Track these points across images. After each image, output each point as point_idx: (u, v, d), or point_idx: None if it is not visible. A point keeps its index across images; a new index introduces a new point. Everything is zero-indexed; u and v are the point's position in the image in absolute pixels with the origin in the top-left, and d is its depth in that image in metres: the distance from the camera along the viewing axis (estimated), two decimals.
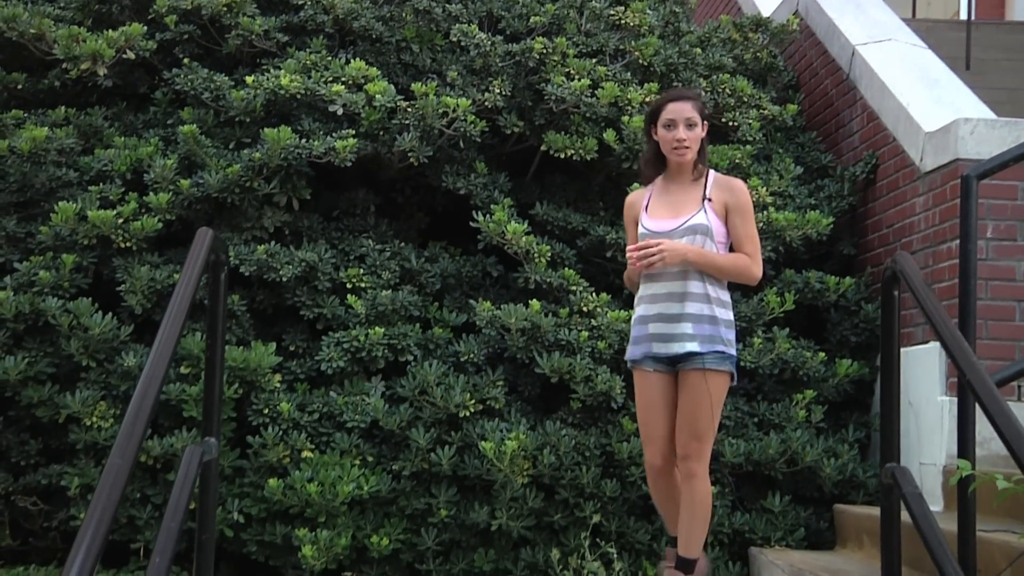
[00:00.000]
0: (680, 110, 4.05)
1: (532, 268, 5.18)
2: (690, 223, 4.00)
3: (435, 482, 4.86)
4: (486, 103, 5.44)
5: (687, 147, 4.05)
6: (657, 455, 4.05)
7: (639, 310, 4.09)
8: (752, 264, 4.05)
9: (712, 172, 4.15)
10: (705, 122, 4.12)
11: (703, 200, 4.05)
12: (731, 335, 4.02)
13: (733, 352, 4.01)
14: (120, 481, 2.02)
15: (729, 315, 4.04)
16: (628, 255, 4.03)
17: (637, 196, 4.24)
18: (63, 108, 5.62)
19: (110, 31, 5.55)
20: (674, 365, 4.01)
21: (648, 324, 4.03)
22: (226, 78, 5.57)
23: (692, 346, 3.93)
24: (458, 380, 4.93)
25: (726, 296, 4.06)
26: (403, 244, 5.41)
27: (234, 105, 5.41)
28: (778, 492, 5.02)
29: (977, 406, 2.72)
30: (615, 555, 4.70)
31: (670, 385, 4.03)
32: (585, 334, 4.97)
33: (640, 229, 4.10)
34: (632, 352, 4.10)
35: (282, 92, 5.28)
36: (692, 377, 3.96)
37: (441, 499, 4.82)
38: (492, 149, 5.70)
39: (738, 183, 4.14)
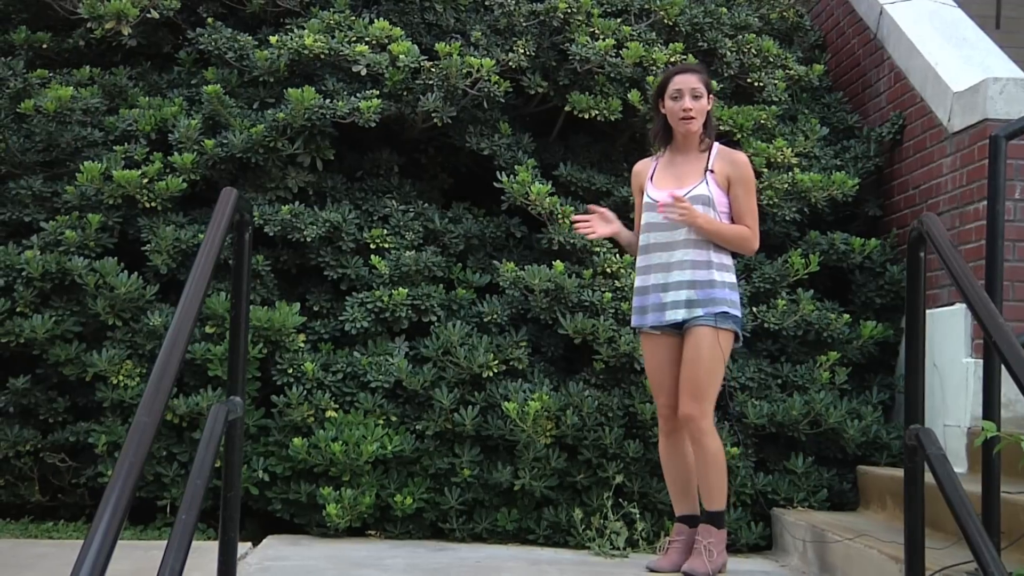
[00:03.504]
0: (686, 81, 4.26)
1: (556, 229, 5.17)
2: (693, 193, 4.21)
3: (458, 442, 4.89)
4: (510, 63, 5.41)
5: (693, 116, 4.24)
6: (664, 406, 4.29)
7: (641, 280, 4.30)
8: (752, 237, 4.27)
9: (716, 144, 4.33)
10: (711, 96, 4.32)
11: (705, 172, 4.24)
12: (734, 296, 4.23)
13: (736, 312, 4.21)
14: (147, 438, 2.03)
15: (730, 278, 4.23)
16: (659, 206, 4.21)
17: (643, 166, 4.45)
18: (88, 67, 5.62)
19: None
20: (679, 328, 4.21)
21: (651, 294, 4.25)
22: (250, 38, 5.56)
23: (697, 311, 4.15)
24: (481, 340, 4.94)
25: (728, 261, 4.26)
26: (426, 204, 5.41)
27: (258, 65, 5.41)
28: (801, 453, 5.02)
29: (1003, 368, 2.70)
30: (638, 515, 4.71)
31: (676, 347, 4.24)
32: (608, 295, 4.97)
33: (645, 198, 4.32)
34: (638, 320, 4.32)
35: (306, 52, 5.27)
36: (694, 335, 4.17)
37: (464, 459, 4.84)
38: (516, 109, 5.68)
39: (741, 156, 4.34)
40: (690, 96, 4.23)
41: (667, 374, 4.25)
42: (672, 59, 5.49)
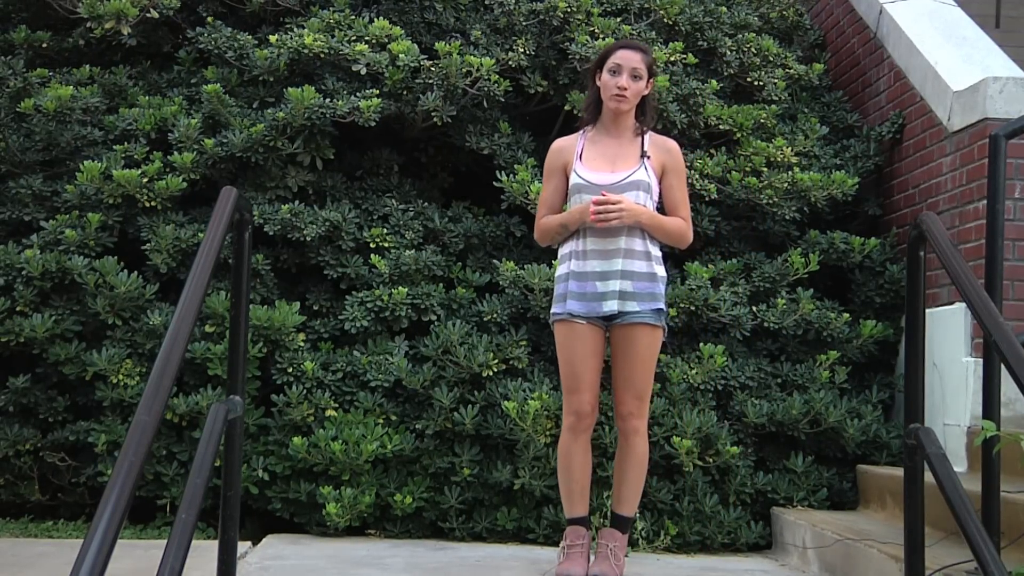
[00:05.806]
0: (628, 58, 3.97)
1: None
2: (632, 178, 3.93)
3: (458, 441, 4.89)
4: (510, 62, 5.41)
5: (625, 96, 3.95)
6: (585, 403, 3.96)
7: (575, 265, 3.97)
8: (689, 229, 4.05)
9: (648, 130, 4.07)
10: (652, 80, 4.04)
11: (642, 156, 3.98)
12: (664, 290, 4.00)
13: (665, 309, 4.01)
14: (146, 437, 2.03)
15: (663, 271, 4.00)
16: (591, 208, 3.86)
17: (567, 143, 4.11)
18: (88, 67, 5.62)
19: None
20: (607, 320, 3.95)
21: (587, 281, 3.93)
22: (250, 37, 5.56)
23: (632, 304, 3.90)
24: (481, 340, 4.94)
25: (659, 252, 4.01)
26: (426, 204, 5.41)
27: (258, 64, 5.41)
28: (801, 452, 5.02)
29: (1002, 367, 2.70)
30: (638, 514, 4.71)
31: (600, 339, 3.97)
32: None
33: (575, 179, 3.98)
34: (570, 306, 3.94)
35: (306, 51, 5.28)
36: (632, 333, 3.92)
37: (464, 458, 4.84)
38: (516, 108, 5.68)
39: (673, 144, 4.09)
40: (628, 75, 3.95)
41: (589, 367, 3.94)
42: (672, 58, 5.49)
